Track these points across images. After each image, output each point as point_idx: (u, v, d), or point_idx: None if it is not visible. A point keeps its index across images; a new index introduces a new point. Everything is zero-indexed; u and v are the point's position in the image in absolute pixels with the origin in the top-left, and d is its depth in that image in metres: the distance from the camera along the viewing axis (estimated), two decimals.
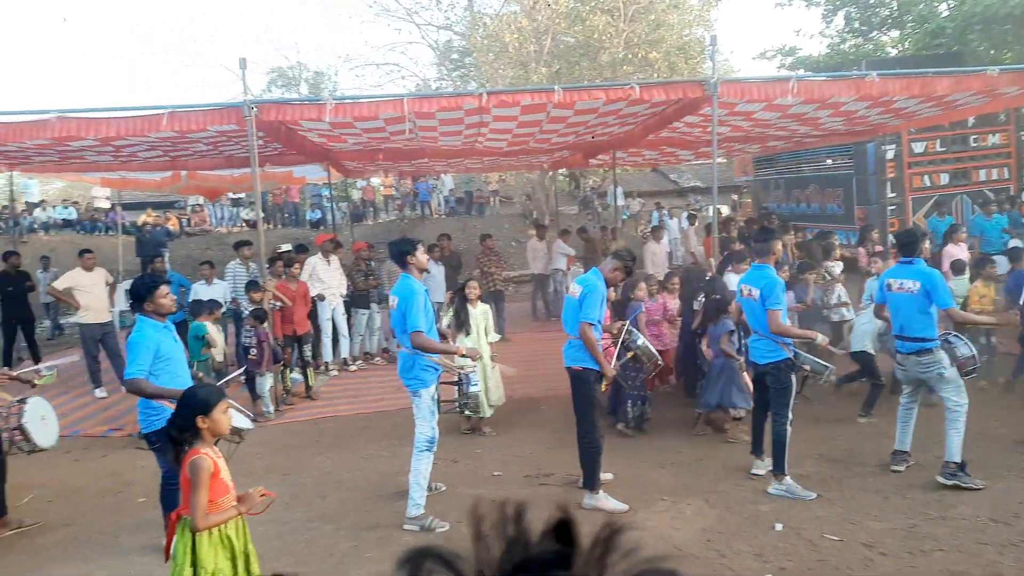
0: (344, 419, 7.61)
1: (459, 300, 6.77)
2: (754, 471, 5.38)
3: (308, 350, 8.51)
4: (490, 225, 19.28)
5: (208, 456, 2.83)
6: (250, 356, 7.38)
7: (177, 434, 2.85)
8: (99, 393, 8.71)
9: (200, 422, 2.85)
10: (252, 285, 7.94)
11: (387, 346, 10.21)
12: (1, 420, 4.74)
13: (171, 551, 2.92)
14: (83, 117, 6.92)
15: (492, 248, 11.65)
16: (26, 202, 18.58)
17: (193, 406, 2.88)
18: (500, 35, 17.52)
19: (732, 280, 6.97)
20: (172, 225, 19.41)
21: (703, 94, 7.29)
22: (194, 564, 2.78)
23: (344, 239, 12.37)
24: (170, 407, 3.45)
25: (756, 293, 5.17)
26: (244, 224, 20.77)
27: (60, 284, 8.48)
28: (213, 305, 7.93)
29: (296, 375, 8.56)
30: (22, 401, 4.79)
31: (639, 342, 5.36)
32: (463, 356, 5.33)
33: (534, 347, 10.06)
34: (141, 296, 4.07)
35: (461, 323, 6.61)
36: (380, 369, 9.73)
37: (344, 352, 9.63)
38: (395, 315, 4.86)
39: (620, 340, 5.28)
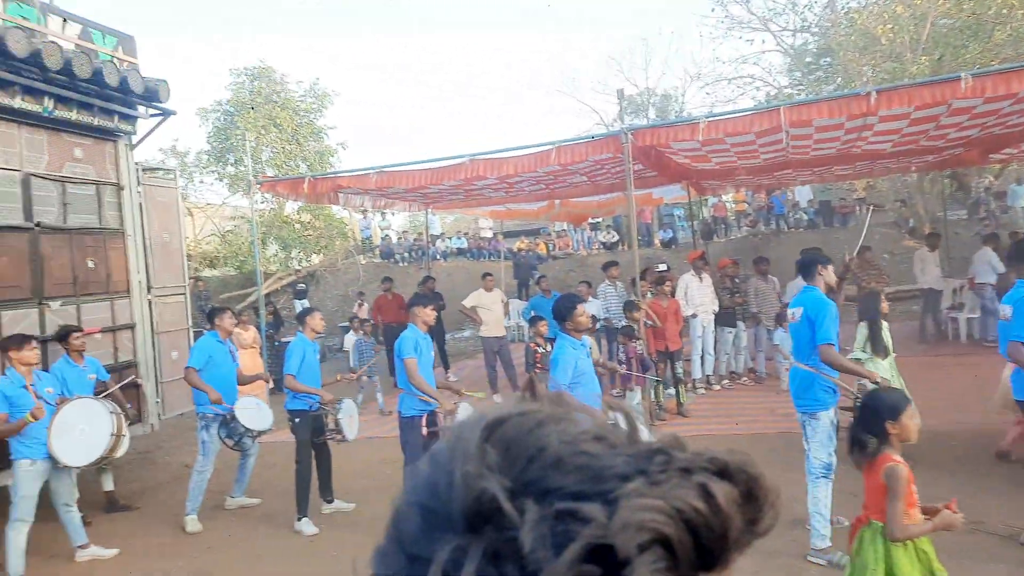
0: (718, 438, 7.54)
1: (871, 318, 6.17)
2: None
3: (680, 367, 8.65)
4: (856, 237, 17.56)
5: (904, 464, 2.79)
6: (621, 372, 7.76)
7: (864, 438, 2.86)
8: (496, 399, 9.95)
9: (890, 427, 2.81)
10: (629, 305, 8.35)
11: (752, 366, 9.92)
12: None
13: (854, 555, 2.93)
14: (490, 158, 8.03)
15: (871, 261, 10.59)
16: (431, 235, 22.30)
17: (883, 411, 2.85)
18: (869, 28, 15.99)
19: None
20: (541, 250, 21.44)
21: None
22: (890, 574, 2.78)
23: None
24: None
25: None
26: (601, 246, 22.05)
27: (468, 302, 9.93)
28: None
29: (669, 391, 8.75)
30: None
31: None
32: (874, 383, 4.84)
33: (929, 373, 8.85)
34: (563, 316, 4.47)
35: (877, 345, 6.04)
36: (747, 390, 9.47)
37: (708, 370, 9.58)
38: (795, 328, 4.66)
39: None
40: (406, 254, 21.71)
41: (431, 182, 8.80)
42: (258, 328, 11.24)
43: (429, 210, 13.67)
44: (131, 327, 7.18)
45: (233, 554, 5.50)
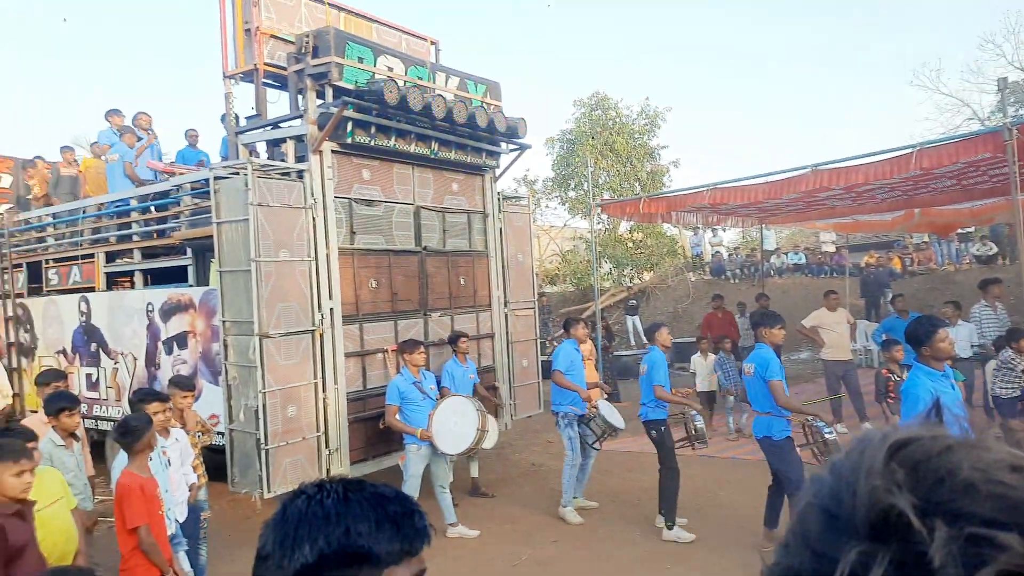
0: None
1: None
2: None
3: None
4: None
5: None
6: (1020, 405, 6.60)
7: None
8: (839, 428, 9.14)
9: None
10: (1015, 333, 7.08)
11: None
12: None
13: None
14: (836, 167, 7.50)
15: None
16: (763, 250, 21.37)
17: None
18: None
19: None
20: (895, 265, 19.12)
21: None
22: None
23: None
24: None
25: None
26: (973, 260, 18.86)
27: (808, 322, 9.34)
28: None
29: None
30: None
31: None
32: None
33: None
34: (920, 340, 3.94)
35: None
36: None
37: None
38: None
39: None
40: (738, 270, 21.08)
41: (768, 196, 8.51)
42: (593, 341, 11.95)
43: (763, 225, 13.13)
44: (491, 336, 8.20)
45: (577, 550, 5.94)
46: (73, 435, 4.60)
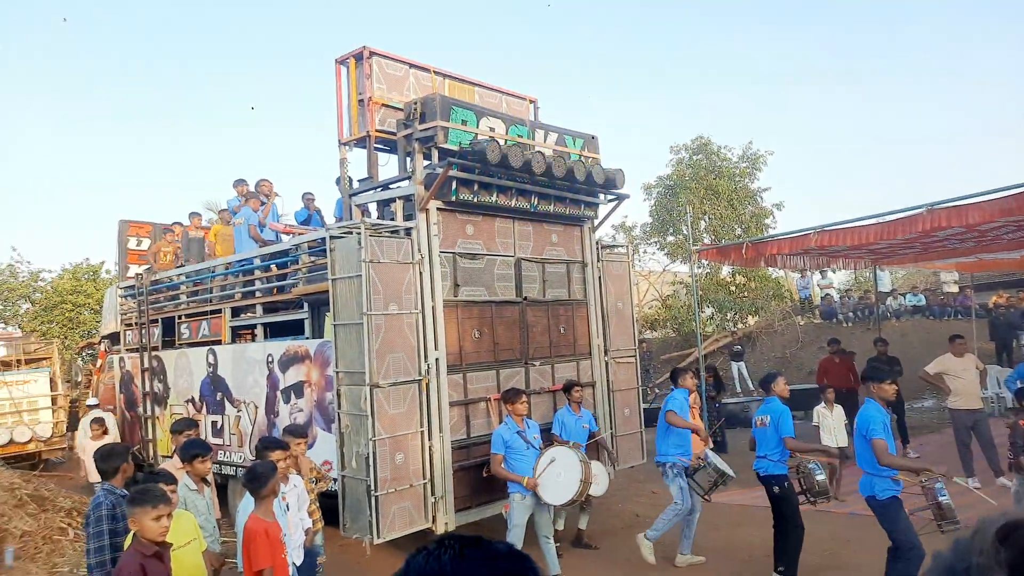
0: None
1: None
2: None
3: None
4: None
5: None
6: None
7: None
8: (971, 483, 8.47)
9: None
10: None
11: None
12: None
13: None
14: (953, 206, 7.15)
15: None
16: (878, 292, 20.33)
17: None
18: None
19: None
20: None
21: None
22: None
23: None
24: None
25: None
26: None
27: (932, 368, 8.79)
28: None
29: None
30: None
31: None
32: None
33: None
34: None
35: None
36: None
37: None
38: None
39: None
40: (850, 313, 20.09)
41: (881, 237, 8.17)
42: (698, 389, 11.67)
43: (877, 266, 12.53)
44: (592, 385, 8.20)
45: None
46: (204, 480, 4.96)
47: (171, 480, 4.13)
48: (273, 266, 8.24)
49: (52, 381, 15.54)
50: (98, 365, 13.46)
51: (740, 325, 22.74)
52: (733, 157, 22.54)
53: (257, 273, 8.50)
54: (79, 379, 16.18)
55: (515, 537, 6.00)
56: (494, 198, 7.02)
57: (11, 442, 14.27)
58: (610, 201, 8.23)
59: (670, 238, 23.05)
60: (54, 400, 15.28)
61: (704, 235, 22.94)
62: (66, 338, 22.85)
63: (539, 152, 6.95)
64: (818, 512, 7.35)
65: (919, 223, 7.45)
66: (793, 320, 21.23)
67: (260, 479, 3.98)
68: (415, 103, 6.70)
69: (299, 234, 8.51)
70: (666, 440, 6.54)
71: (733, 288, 22.40)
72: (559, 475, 6.01)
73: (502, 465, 6.13)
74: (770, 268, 20.79)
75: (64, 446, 15.53)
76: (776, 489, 5.80)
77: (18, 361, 15.68)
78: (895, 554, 5.15)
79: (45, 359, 16.32)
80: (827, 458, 6.21)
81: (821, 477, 5.84)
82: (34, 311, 24.38)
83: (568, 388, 7.15)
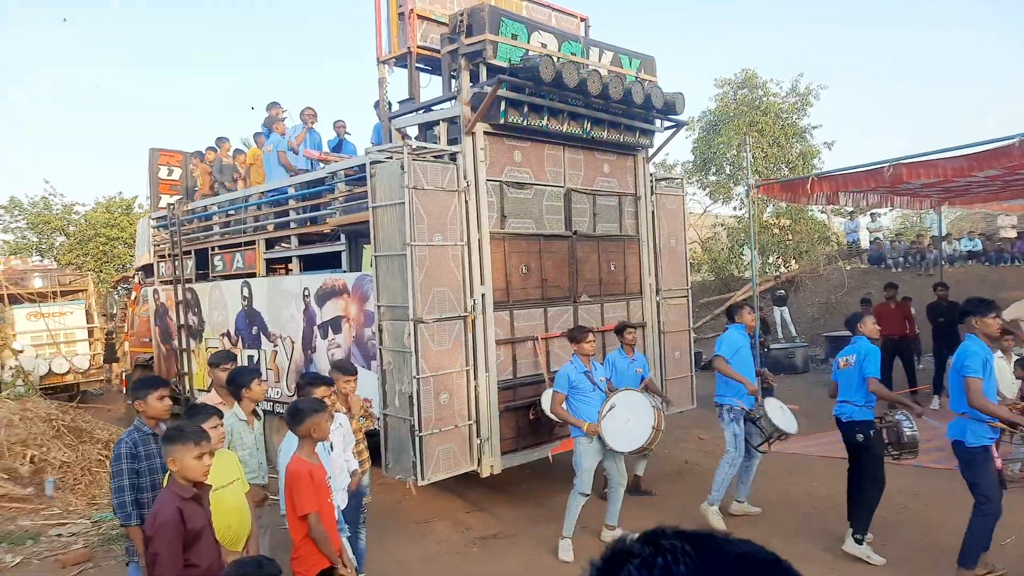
0: None
1: None
2: None
3: None
4: None
5: None
6: None
7: None
8: None
9: None
10: None
11: None
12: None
13: None
14: None
15: None
16: (931, 236, 19.38)
17: None
18: None
19: None
20: None
21: None
22: None
23: None
24: None
25: None
26: None
27: (1008, 314, 8.20)
28: None
29: None
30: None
31: None
32: None
33: None
34: None
35: None
36: None
37: None
38: None
39: None
40: (900, 259, 19.25)
41: (962, 173, 7.50)
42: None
43: (943, 208, 11.76)
44: (642, 326, 7.76)
45: None
46: (255, 412, 4.66)
47: (217, 413, 3.82)
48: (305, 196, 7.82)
49: (88, 313, 15.56)
50: (132, 298, 13.35)
51: (782, 269, 22.03)
52: (781, 92, 21.43)
53: (291, 203, 8.11)
54: (115, 312, 16.17)
55: (583, 483, 5.62)
56: (545, 122, 6.48)
57: (50, 373, 14.38)
58: (667, 128, 7.62)
59: (712, 177, 22.21)
60: (91, 332, 15.32)
61: (749, 175, 22.04)
62: (101, 271, 22.95)
63: (595, 71, 6.35)
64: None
65: (1011, 155, 6.76)
66: (839, 265, 20.44)
67: (299, 415, 3.64)
68: (461, 14, 6.11)
69: (333, 161, 8.06)
70: (726, 380, 6.10)
71: (776, 231, 21.60)
72: (627, 420, 5.59)
73: (563, 406, 5.69)
74: (818, 208, 19.95)
75: (102, 378, 15.66)
76: (860, 437, 5.32)
77: (54, 293, 15.70)
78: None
79: (81, 291, 16.34)
80: (913, 411, 5.69)
81: (911, 431, 5.35)
82: (68, 244, 24.49)
83: (621, 329, 6.71)
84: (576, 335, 5.73)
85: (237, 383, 4.55)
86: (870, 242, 20.93)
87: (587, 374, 5.62)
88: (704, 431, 9.14)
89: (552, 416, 5.97)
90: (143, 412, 3.87)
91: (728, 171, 21.95)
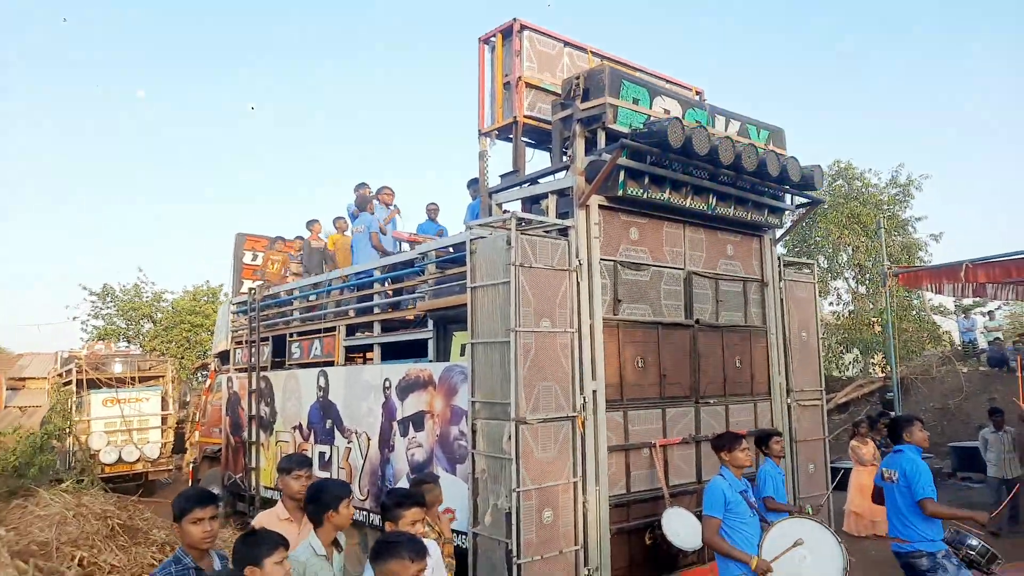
0: None
1: None
2: None
3: None
4: None
5: None
6: None
7: None
8: None
9: None
10: None
11: None
12: None
13: None
14: None
15: None
16: None
17: None
18: None
19: None
20: None
21: None
22: None
23: None
24: None
25: None
26: None
27: None
28: None
29: None
30: None
31: None
32: None
33: None
34: None
35: None
36: None
37: None
38: None
39: None
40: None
41: None
42: (875, 443, 9.79)
43: None
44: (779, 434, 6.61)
45: None
46: (335, 542, 3.57)
47: (283, 544, 2.88)
48: (389, 281, 7.20)
49: (164, 400, 15.28)
50: (207, 385, 12.96)
51: (887, 370, 20.21)
52: (880, 182, 20.31)
53: (376, 287, 7.50)
54: (187, 399, 15.86)
55: None
56: (666, 195, 5.69)
57: (119, 461, 13.98)
58: (798, 208, 6.73)
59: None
60: (164, 420, 14.97)
61: (845, 269, 20.70)
62: (182, 357, 23.05)
63: (727, 138, 5.58)
64: None
65: None
66: (955, 366, 18.54)
67: (383, 554, 2.72)
68: (577, 77, 5.49)
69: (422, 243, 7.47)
70: (916, 515, 4.77)
71: (879, 329, 19.97)
72: (803, 558, 4.36)
73: (719, 533, 4.49)
74: (932, 304, 18.34)
75: (171, 467, 15.18)
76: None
77: (132, 379, 15.55)
78: None
79: (159, 377, 16.16)
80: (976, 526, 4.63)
81: (974, 540, 4.54)
82: (155, 331, 24.86)
83: (765, 438, 5.60)
84: (727, 443, 4.65)
85: (320, 503, 3.51)
86: (988, 342, 19.02)
87: (743, 493, 4.51)
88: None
89: (707, 545, 4.74)
90: (182, 538, 3.05)
91: (826, 264, 20.65)
